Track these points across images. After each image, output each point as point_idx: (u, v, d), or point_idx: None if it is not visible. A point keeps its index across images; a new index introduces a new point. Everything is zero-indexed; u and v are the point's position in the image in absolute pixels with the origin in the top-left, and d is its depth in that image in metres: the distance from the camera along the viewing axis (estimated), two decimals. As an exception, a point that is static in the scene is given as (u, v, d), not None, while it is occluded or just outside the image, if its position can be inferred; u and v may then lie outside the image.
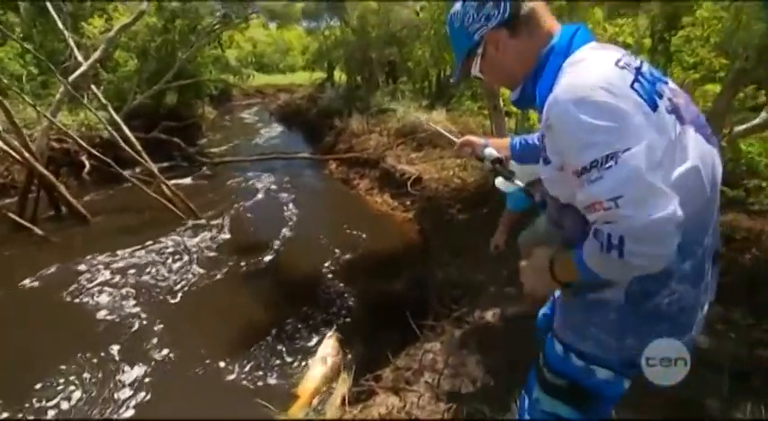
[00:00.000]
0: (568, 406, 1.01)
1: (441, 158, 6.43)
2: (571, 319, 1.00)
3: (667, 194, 0.74)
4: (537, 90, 0.91)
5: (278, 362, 3.10)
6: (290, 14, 11.72)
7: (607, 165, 0.74)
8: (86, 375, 2.96)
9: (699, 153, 0.84)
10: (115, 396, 2.80)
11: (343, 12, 11.17)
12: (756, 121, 3.66)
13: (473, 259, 3.71)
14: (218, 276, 4.32)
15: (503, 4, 0.91)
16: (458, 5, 0.98)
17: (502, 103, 4.85)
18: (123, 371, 3.00)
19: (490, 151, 1.34)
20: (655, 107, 0.79)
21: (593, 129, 0.75)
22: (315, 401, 2.70)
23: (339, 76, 14.37)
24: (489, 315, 2.65)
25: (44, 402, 2.75)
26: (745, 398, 1.76)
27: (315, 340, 3.29)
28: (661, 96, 0.82)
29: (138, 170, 6.68)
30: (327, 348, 3.06)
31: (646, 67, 0.85)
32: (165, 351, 3.20)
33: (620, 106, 0.75)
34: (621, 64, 0.82)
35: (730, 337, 2.22)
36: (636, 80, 0.80)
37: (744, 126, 3.73)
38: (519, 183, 1.22)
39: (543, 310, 1.40)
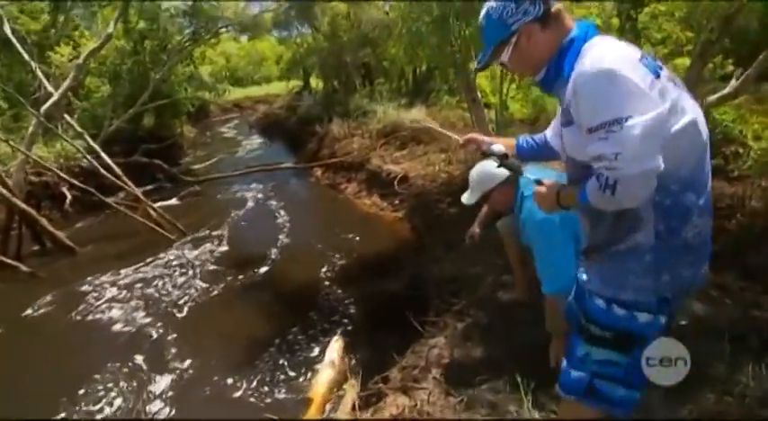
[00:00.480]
0: (617, 351, 1.14)
1: (425, 155, 6.45)
2: (608, 275, 1.14)
3: (654, 155, 0.94)
4: (562, 71, 1.09)
5: (283, 376, 3.06)
6: (261, 25, 11.65)
7: (613, 129, 0.94)
8: (123, 384, 3.08)
9: (694, 110, 1.05)
10: (147, 408, 2.86)
11: (314, 18, 11.16)
12: (727, 90, 3.74)
13: (467, 252, 3.72)
14: (215, 292, 4.28)
15: (538, 2, 1.11)
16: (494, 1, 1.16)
17: (480, 96, 4.89)
18: (154, 382, 3.08)
19: (498, 147, 1.43)
20: (658, 75, 1.01)
21: (607, 96, 0.96)
22: (327, 407, 2.69)
23: (315, 82, 14.31)
24: (489, 305, 2.66)
25: (91, 406, 2.91)
26: (746, 359, 1.80)
27: (317, 350, 3.27)
28: (661, 69, 1.04)
29: (122, 196, 6.60)
30: (333, 352, 3.05)
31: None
32: (173, 369, 3.18)
33: (633, 79, 0.95)
34: (630, 47, 1.05)
35: (725, 302, 2.27)
36: (643, 57, 1.02)
37: (716, 95, 3.82)
38: (529, 175, 1.31)
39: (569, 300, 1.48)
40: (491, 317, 2.55)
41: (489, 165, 1.62)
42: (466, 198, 2.12)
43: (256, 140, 12.80)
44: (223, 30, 10.72)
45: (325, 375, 2.85)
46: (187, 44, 9.00)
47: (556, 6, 1.13)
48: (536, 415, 1.70)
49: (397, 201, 5.94)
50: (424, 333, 2.68)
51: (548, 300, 1.97)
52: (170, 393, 2.96)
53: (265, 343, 3.38)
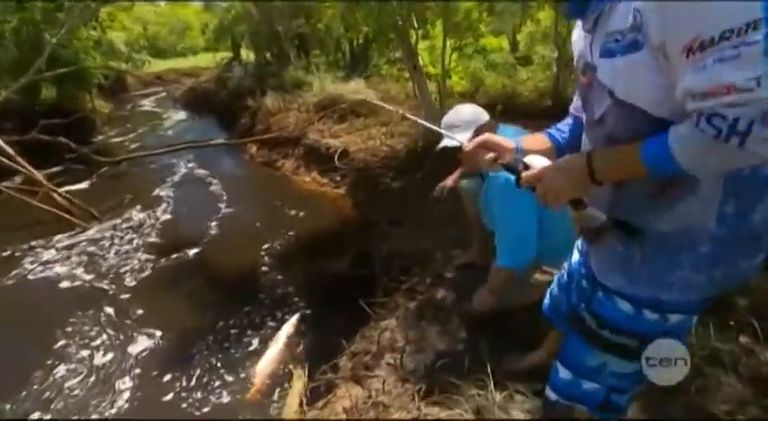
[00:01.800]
0: (641, 361, 0.96)
1: (365, 128, 6.21)
2: (648, 272, 0.87)
3: None
4: None
5: (218, 381, 2.72)
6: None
7: (749, 38, 0.59)
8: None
9: None
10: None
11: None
12: None
13: (415, 226, 3.59)
14: (145, 278, 3.86)
15: None
16: None
17: (421, 62, 4.69)
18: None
19: (540, 159, 0.97)
20: None
21: None
22: (275, 396, 2.49)
23: (246, 53, 13.37)
24: (441, 281, 2.53)
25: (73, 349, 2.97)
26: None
27: (256, 342, 2.99)
28: None
29: (18, 180, 5.70)
30: (283, 334, 2.94)
31: None
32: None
33: None
34: None
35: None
36: None
37: None
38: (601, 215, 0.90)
39: (555, 293, 1.32)
40: (444, 292, 2.42)
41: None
42: (463, 138, 1.86)
43: (183, 116, 11.77)
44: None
45: (269, 357, 2.75)
46: (90, 2, 7.80)
47: None
48: (498, 397, 1.59)
49: (338, 177, 5.68)
50: (374, 315, 2.50)
51: (498, 270, 1.86)
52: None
53: (201, 335, 3.06)
